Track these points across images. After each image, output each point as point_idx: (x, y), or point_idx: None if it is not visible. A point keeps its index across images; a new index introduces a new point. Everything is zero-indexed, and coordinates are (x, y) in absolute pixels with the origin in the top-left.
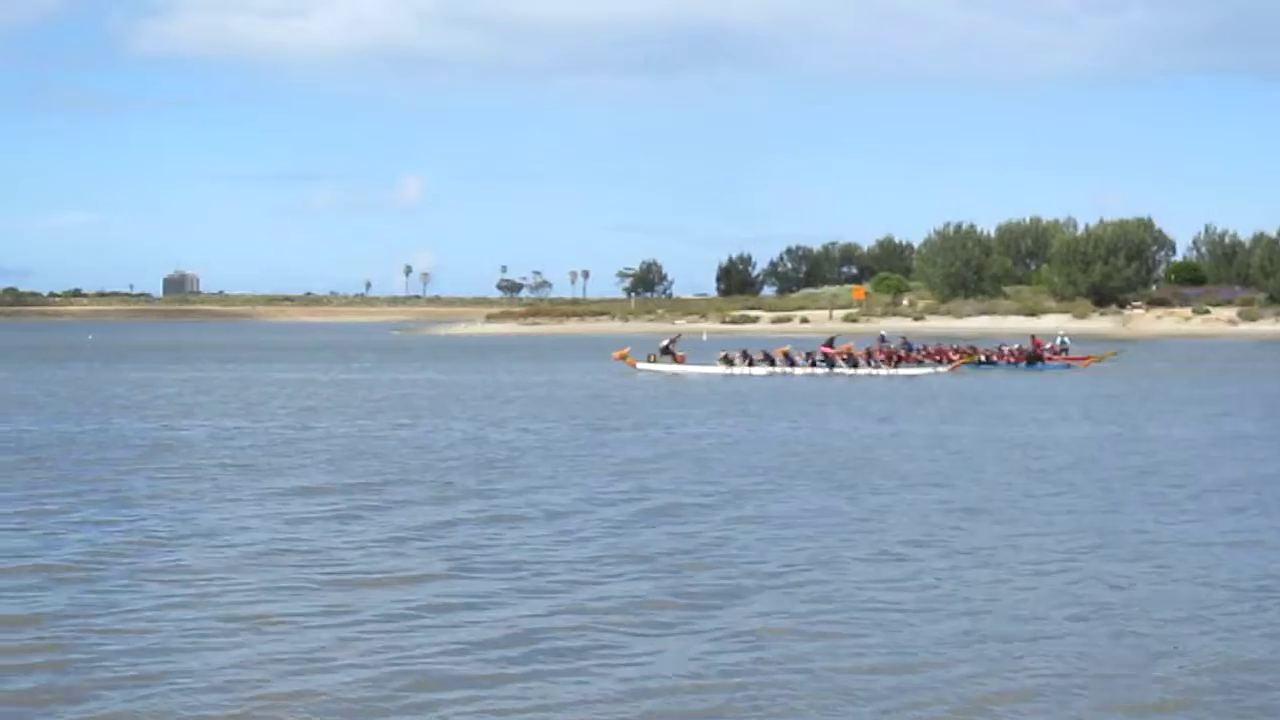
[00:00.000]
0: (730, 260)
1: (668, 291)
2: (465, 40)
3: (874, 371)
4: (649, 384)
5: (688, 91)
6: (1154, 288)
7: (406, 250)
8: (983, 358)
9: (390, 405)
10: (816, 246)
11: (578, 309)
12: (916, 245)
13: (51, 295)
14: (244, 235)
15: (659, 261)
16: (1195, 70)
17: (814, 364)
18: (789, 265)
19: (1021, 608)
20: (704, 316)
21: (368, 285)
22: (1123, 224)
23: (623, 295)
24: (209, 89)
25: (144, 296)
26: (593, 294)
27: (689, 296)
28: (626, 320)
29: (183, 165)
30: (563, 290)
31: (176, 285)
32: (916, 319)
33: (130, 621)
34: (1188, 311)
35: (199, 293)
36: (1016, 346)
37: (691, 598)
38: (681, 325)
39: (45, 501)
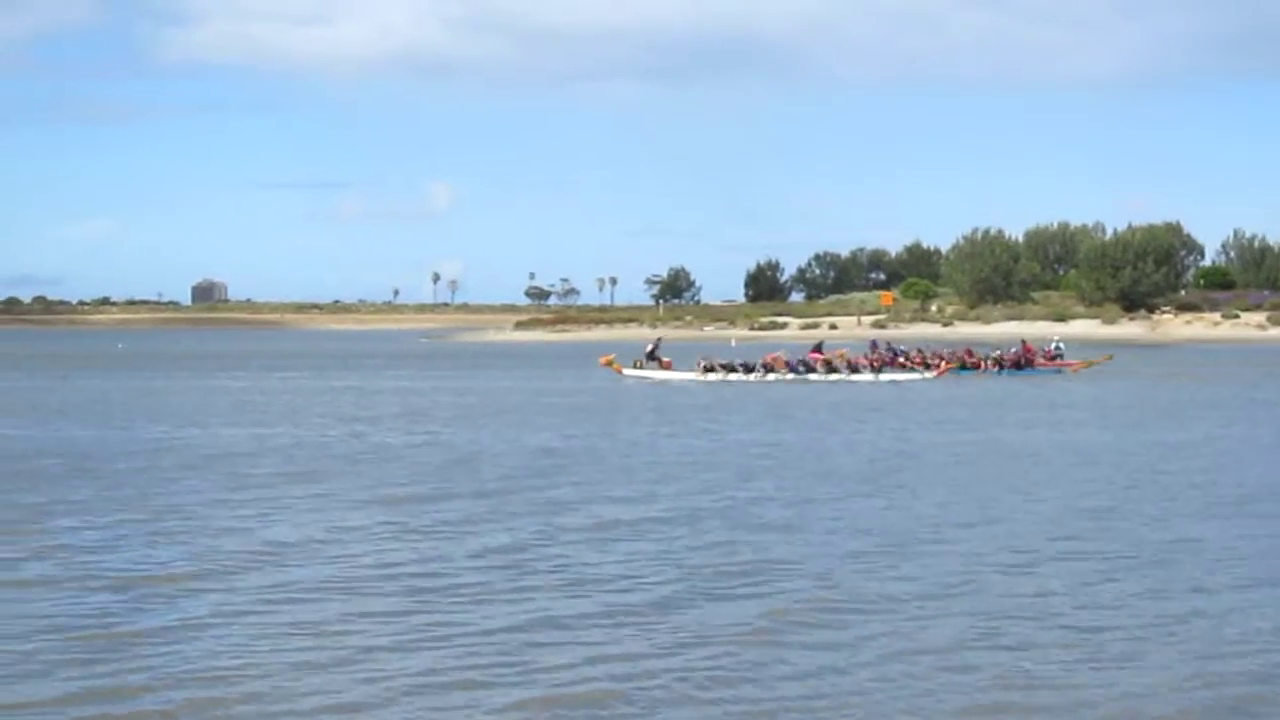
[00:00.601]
0: (758, 266)
1: (696, 298)
2: (492, 47)
3: (854, 378)
4: (691, 390)
5: (715, 97)
6: (1183, 293)
7: (434, 258)
8: (971, 363)
9: (458, 412)
10: (845, 252)
11: (606, 316)
12: (945, 251)
13: (81, 303)
14: (272, 243)
15: (687, 268)
16: (1224, 74)
17: (794, 371)
18: (817, 271)
19: None
20: (732, 323)
21: (396, 293)
22: (1151, 229)
23: (651, 302)
24: (236, 97)
25: (172, 304)
26: (620, 301)
27: (717, 303)
28: (655, 327)
29: (211, 173)
30: (590, 297)
31: (205, 293)
32: (945, 325)
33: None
34: (1217, 316)
35: (227, 301)
36: (1013, 351)
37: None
38: (710, 332)
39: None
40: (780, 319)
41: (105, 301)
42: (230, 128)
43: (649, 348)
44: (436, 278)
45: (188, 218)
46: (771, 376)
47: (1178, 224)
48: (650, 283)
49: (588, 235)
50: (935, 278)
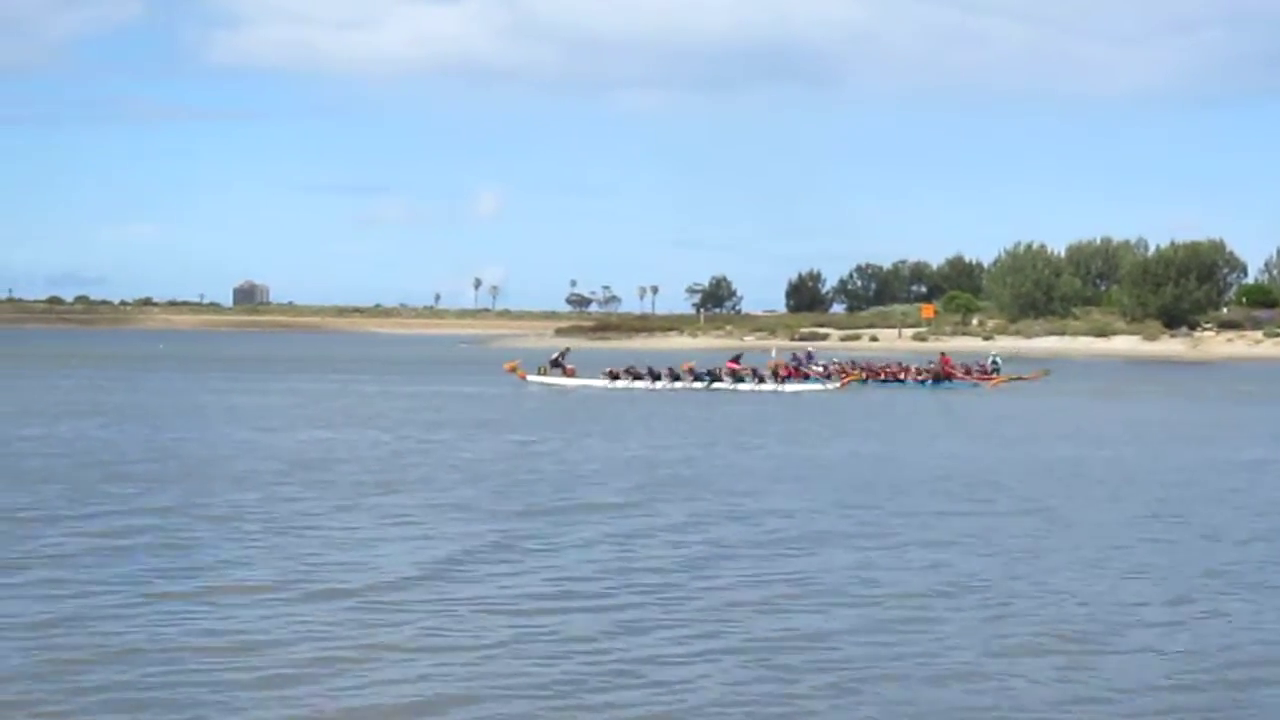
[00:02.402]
0: (800, 277)
1: (737, 308)
2: (537, 54)
3: (757, 388)
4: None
5: (759, 108)
6: (1225, 310)
7: (476, 263)
8: (878, 376)
9: (538, 419)
10: (886, 264)
11: (647, 324)
12: (986, 265)
13: (123, 304)
14: (314, 246)
15: (728, 277)
16: (1268, 91)
17: (699, 380)
18: (859, 283)
19: None
20: (773, 333)
21: (437, 298)
22: (1194, 245)
23: (692, 311)
24: (281, 100)
25: (214, 306)
26: (661, 310)
27: (758, 313)
28: (695, 336)
29: (255, 176)
30: (631, 305)
31: (246, 295)
32: (985, 339)
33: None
34: (1258, 335)
35: (269, 303)
36: (930, 364)
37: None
38: (750, 341)
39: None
40: (821, 330)
41: (147, 302)
42: (275, 131)
43: (554, 355)
44: (478, 283)
45: (231, 220)
46: (678, 385)
47: (1220, 241)
48: (691, 291)
49: (630, 243)
50: (977, 291)
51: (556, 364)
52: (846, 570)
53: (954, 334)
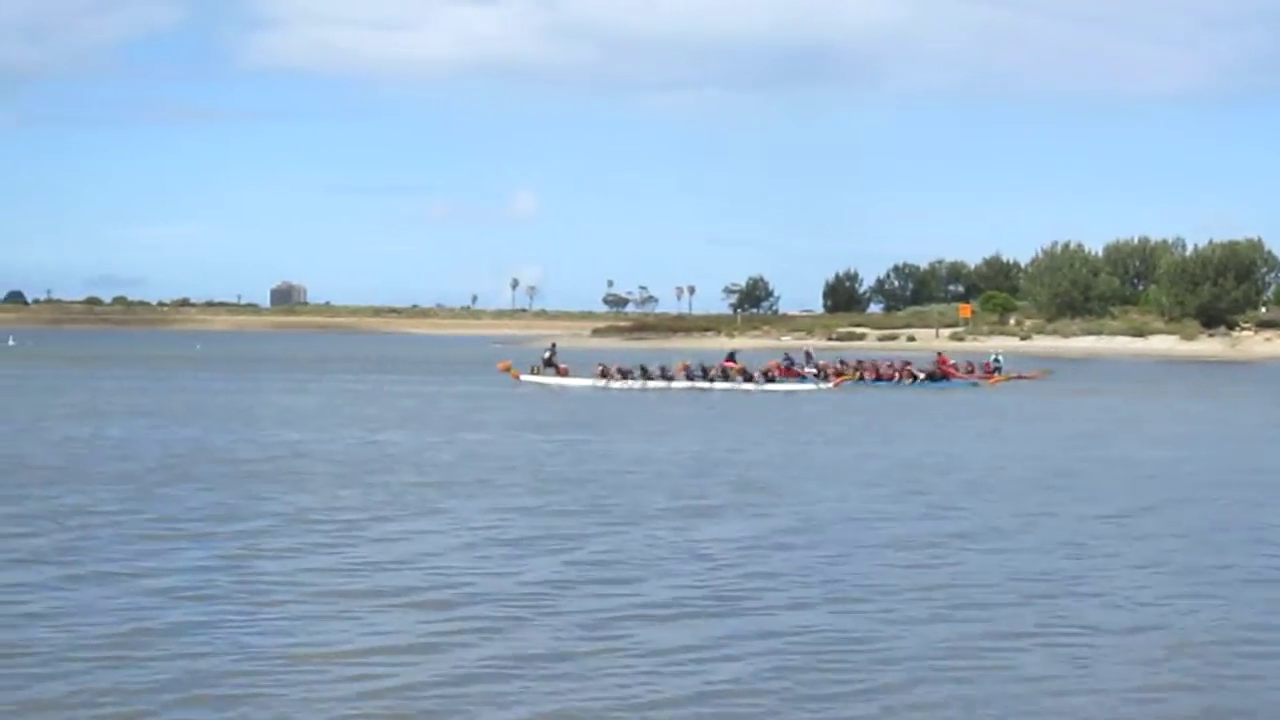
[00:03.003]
0: (837, 277)
1: (774, 308)
2: (574, 54)
3: (745, 387)
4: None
5: (795, 107)
6: (1263, 309)
7: (513, 263)
8: (876, 375)
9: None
10: (924, 264)
11: (683, 325)
12: (1024, 264)
13: (160, 305)
14: (351, 247)
15: (765, 277)
16: None
17: (691, 379)
18: (896, 283)
19: None
20: (810, 333)
21: (474, 298)
22: (1232, 245)
23: (729, 311)
24: (317, 101)
25: (251, 307)
26: (698, 310)
27: (795, 313)
28: (733, 336)
29: (291, 177)
30: (668, 306)
31: (283, 296)
32: (1023, 338)
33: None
34: None
35: (306, 304)
36: (961, 362)
37: None
38: (787, 341)
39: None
40: (858, 330)
41: (184, 303)
42: (312, 132)
43: (545, 354)
44: (515, 283)
45: (268, 221)
46: (670, 384)
47: (1259, 240)
48: (728, 292)
49: (666, 243)
50: (1014, 291)
51: (549, 363)
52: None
53: (991, 333)
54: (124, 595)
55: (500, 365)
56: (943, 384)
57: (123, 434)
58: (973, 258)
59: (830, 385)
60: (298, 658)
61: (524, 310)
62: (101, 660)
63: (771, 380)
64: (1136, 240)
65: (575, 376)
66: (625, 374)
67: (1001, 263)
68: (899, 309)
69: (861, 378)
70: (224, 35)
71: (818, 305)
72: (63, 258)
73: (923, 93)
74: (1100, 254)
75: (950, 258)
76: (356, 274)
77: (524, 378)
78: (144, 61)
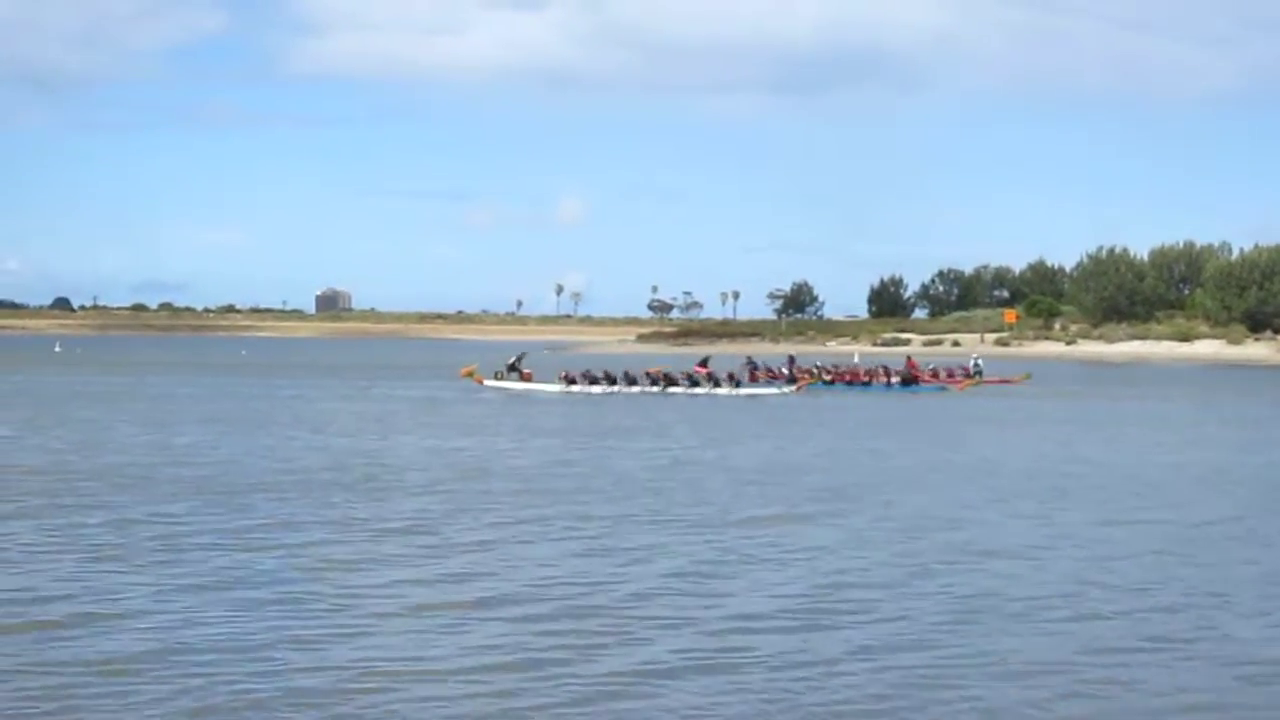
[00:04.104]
0: (882, 282)
1: (819, 313)
2: (619, 60)
3: (715, 391)
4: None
5: (839, 112)
6: None
7: (558, 269)
8: (844, 379)
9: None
10: (968, 269)
11: (728, 330)
12: (1069, 269)
13: (206, 311)
14: (396, 253)
15: (810, 283)
16: None
17: (655, 384)
18: (940, 288)
19: None
20: (855, 338)
21: (519, 304)
22: (1278, 248)
23: (773, 316)
24: (364, 107)
25: (296, 313)
26: (743, 315)
27: (840, 318)
28: (777, 341)
29: (336, 182)
30: (713, 311)
31: (328, 302)
32: (1068, 343)
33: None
34: None
35: (351, 310)
36: (898, 368)
37: None
38: (832, 347)
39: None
40: (903, 335)
41: (230, 309)
42: (357, 137)
43: (511, 360)
44: (560, 289)
45: (313, 226)
46: (635, 389)
47: None
48: (773, 297)
49: (711, 249)
50: (1059, 296)
51: (513, 368)
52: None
53: (1036, 339)
54: (220, 606)
55: (463, 370)
56: (913, 388)
57: (192, 442)
58: (1018, 263)
59: (793, 389)
60: (403, 674)
61: (569, 316)
62: (201, 674)
63: (738, 385)
64: (1182, 244)
65: (538, 382)
66: (592, 380)
67: (1046, 267)
68: (944, 314)
69: (833, 380)
70: (270, 41)
71: (863, 310)
72: (109, 264)
73: (968, 97)
74: (1145, 258)
75: (995, 263)
76: (401, 280)
77: (487, 383)
78: (191, 67)
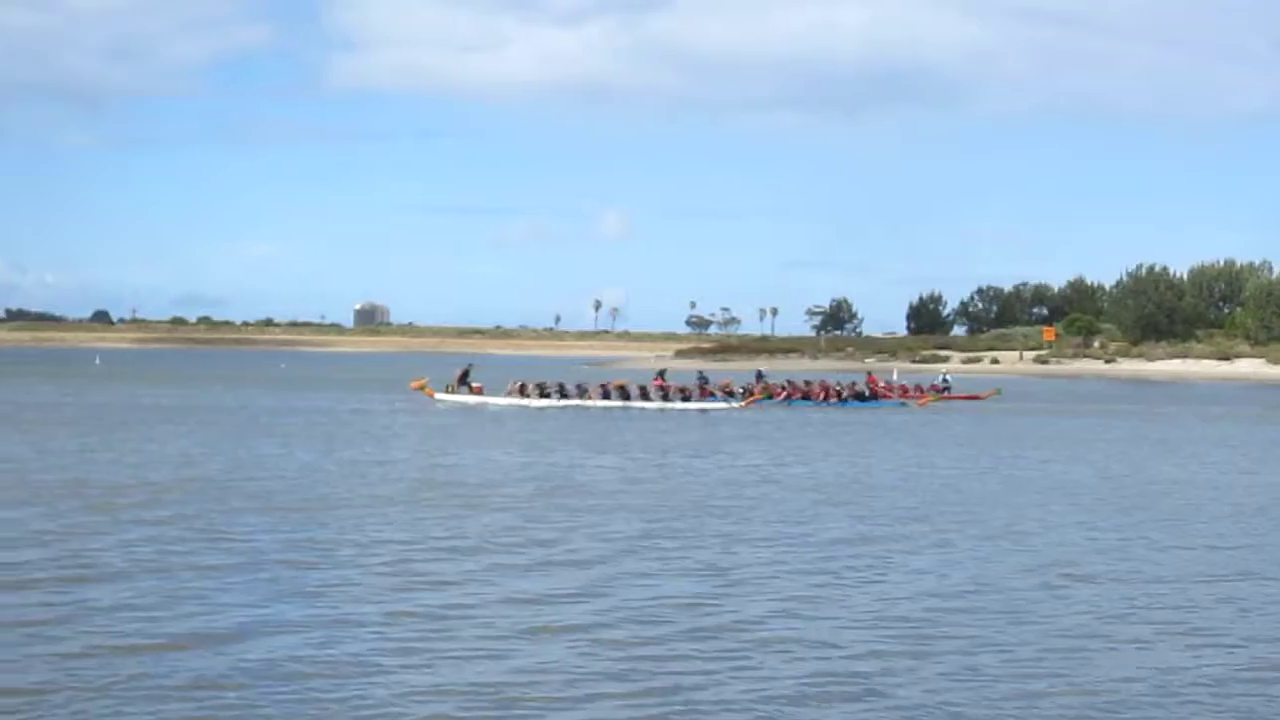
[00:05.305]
0: (920, 299)
1: (857, 330)
2: (658, 76)
3: (665, 405)
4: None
5: (878, 129)
6: None
7: (596, 284)
8: (802, 395)
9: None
10: (1007, 286)
11: (767, 346)
12: (1108, 286)
13: (244, 324)
14: (435, 268)
15: (849, 299)
16: None
17: (607, 397)
18: (979, 305)
19: None
20: (894, 355)
21: (557, 319)
22: None
23: (812, 333)
24: (402, 122)
25: (335, 327)
26: (781, 331)
27: (879, 335)
28: (816, 358)
29: (375, 197)
30: (751, 327)
31: (367, 316)
32: (1107, 361)
33: None
34: None
35: (389, 324)
36: (852, 383)
37: None
38: (871, 364)
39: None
40: (942, 352)
41: (269, 323)
42: (396, 152)
43: (459, 372)
44: (598, 304)
45: (352, 241)
46: (586, 402)
47: None
48: (811, 314)
49: (749, 265)
50: (1098, 314)
51: (463, 381)
52: None
53: (1075, 356)
54: (310, 627)
55: (414, 383)
56: (872, 404)
57: (270, 456)
58: (1057, 280)
59: (740, 405)
60: (528, 700)
61: (607, 331)
62: (288, 696)
63: (687, 399)
64: (1222, 263)
65: (490, 395)
66: (544, 392)
67: (1085, 285)
68: (983, 331)
69: (788, 397)
70: (309, 57)
71: (901, 328)
72: (148, 277)
73: (1007, 115)
74: (1185, 277)
75: (1034, 280)
76: (440, 294)
77: (439, 396)
78: (230, 82)
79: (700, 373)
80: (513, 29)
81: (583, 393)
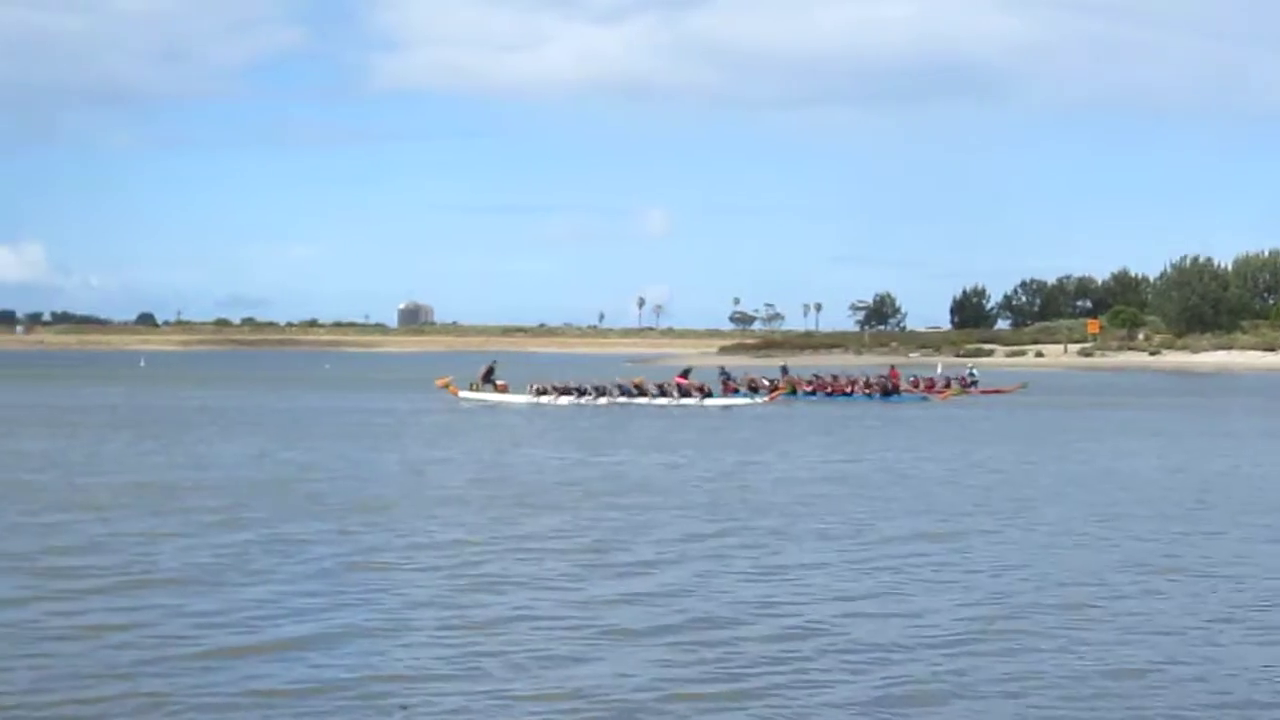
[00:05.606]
0: (964, 293)
1: (901, 324)
2: (699, 73)
3: (686, 402)
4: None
5: (921, 123)
6: None
7: (640, 282)
8: (826, 390)
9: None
10: (1051, 279)
11: (811, 342)
12: (1152, 279)
13: (288, 325)
14: (478, 267)
15: (893, 294)
16: None
17: (625, 394)
18: (1023, 298)
19: None
20: (938, 350)
21: (601, 317)
22: None
23: (856, 328)
24: (442, 122)
25: (379, 327)
26: (825, 327)
27: (922, 329)
28: (860, 353)
29: (417, 197)
30: (795, 323)
31: (411, 316)
32: (1152, 353)
33: None
34: None
35: (433, 323)
36: (878, 377)
37: None
38: (915, 358)
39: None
40: (986, 346)
41: (312, 323)
42: (437, 152)
43: (483, 369)
44: (641, 302)
45: (395, 240)
46: (603, 400)
47: None
48: (855, 309)
49: (793, 261)
50: (1142, 306)
51: (488, 379)
52: None
53: (1120, 349)
54: (421, 630)
55: (439, 381)
56: (895, 398)
57: (312, 459)
58: (1100, 273)
59: (765, 400)
60: (624, 703)
61: (651, 329)
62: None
63: (709, 396)
64: (1267, 254)
65: (514, 394)
66: (563, 391)
67: (1130, 277)
68: (1026, 325)
69: (814, 391)
70: (350, 58)
71: (945, 322)
72: (192, 279)
73: (1050, 108)
74: (1229, 267)
75: (1078, 273)
76: (483, 293)
77: (463, 394)
78: (272, 84)
79: (722, 368)
80: (552, 27)
81: (602, 391)
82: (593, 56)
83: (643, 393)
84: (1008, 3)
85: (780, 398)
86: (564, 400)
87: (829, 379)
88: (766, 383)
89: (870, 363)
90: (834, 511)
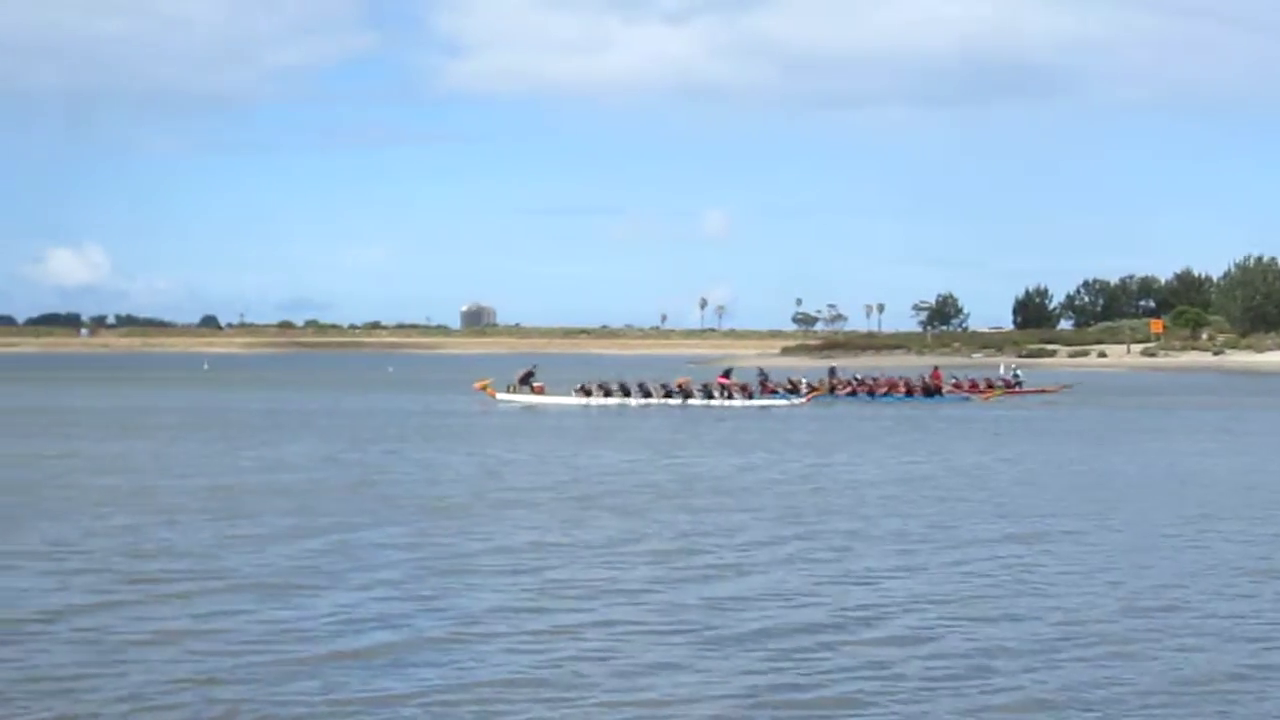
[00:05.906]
0: (1027, 293)
1: (964, 325)
2: (760, 74)
3: (727, 403)
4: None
5: (982, 123)
6: None
7: (702, 282)
8: (870, 390)
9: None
10: (1114, 279)
11: (873, 342)
12: (1216, 278)
13: (351, 327)
14: (541, 268)
15: (955, 294)
16: None
17: (668, 395)
18: (1086, 298)
19: None
20: (1000, 350)
21: (663, 318)
22: None
23: (918, 329)
24: (506, 124)
25: (441, 329)
26: (887, 328)
27: (985, 330)
28: (922, 354)
29: (481, 199)
30: (857, 323)
31: (473, 318)
32: (1215, 353)
33: None
34: None
35: (495, 325)
36: (921, 377)
37: None
38: (978, 359)
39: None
40: (1049, 346)
41: (375, 325)
42: (500, 154)
43: (521, 373)
44: (704, 303)
45: (458, 242)
46: (651, 401)
47: None
48: (918, 309)
49: (855, 261)
50: (1206, 306)
51: (525, 381)
52: None
53: (1183, 349)
54: (506, 637)
55: (477, 384)
56: (936, 399)
57: (382, 461)
58: (1164, 273)
59: (803, 400)
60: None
61: (713, 330)
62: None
63: (750, 397)
64: None
65: (555, 395)
66: (608, 392)
67: (1193, 277)
68: (1089, 325)
69: (854, 392)
70: (415, 61)
71: (1008, 322)
72: (256, 282)
73: (1114, 106)
74: None
75: (1141, 273)
76: (546, 295)
77: (500, 396)
78: (336, 87)
79: (760, 369)
80: (617, 29)
81: (645, 392)
82: (656, 58)
83: (686, 394)
84: (1065, 1)
85: (817, 398)
86: (610, 401)
87: (870, 380)
88: (806, 384)
89: (931, 364)
90: (914, 514)
